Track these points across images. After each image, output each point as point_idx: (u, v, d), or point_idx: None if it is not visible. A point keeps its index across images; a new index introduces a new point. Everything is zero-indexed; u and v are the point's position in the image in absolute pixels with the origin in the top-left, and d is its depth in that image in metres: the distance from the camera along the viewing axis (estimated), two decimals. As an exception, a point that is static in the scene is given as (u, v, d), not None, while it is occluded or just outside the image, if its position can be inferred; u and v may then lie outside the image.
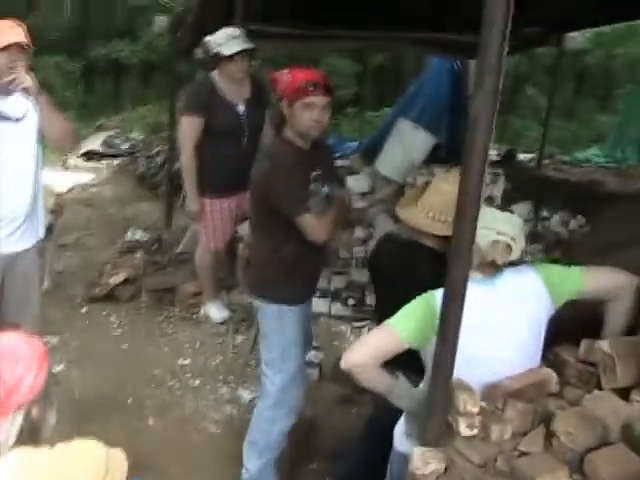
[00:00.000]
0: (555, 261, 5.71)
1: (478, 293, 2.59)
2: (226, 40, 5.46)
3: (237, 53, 5.48)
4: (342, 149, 11.78)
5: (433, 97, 11.05)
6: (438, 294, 2.66)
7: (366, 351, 2.80)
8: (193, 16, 7.06)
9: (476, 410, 2.56)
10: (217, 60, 5.59)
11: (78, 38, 23.57)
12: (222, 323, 6.23)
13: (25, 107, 4.20)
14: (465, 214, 2.28)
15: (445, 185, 3.36)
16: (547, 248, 6.09)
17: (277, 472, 4.34)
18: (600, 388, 2.80)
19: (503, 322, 2.85)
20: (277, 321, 4.10)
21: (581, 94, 23.71)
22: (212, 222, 5.98)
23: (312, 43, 8.71)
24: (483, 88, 2.16)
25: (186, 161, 5.77)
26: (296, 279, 4.05)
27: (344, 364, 2.79)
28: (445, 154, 9.80)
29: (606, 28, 14.97)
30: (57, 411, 2.20)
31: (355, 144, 12.07)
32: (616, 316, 3.06)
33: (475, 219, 2.29)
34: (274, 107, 4.11)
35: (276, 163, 3.87)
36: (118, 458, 2.22)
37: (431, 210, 3.31)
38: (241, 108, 5.76)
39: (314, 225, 3.79)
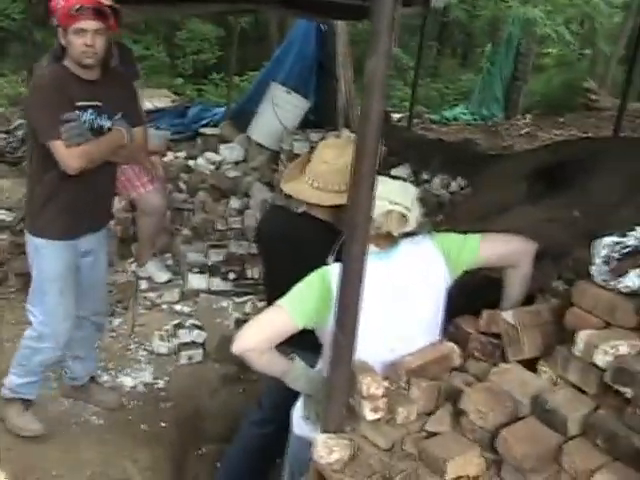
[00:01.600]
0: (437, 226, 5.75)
1: (373, 267, 2.43)
2: None
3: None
4: (209, 116, 11.56)
5: (300, 59, 10.96)
6: (333, 270, 2.55)
7: (259, 334, 2.65)
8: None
9: (380, 393, 2.45)
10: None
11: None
12: None
13: None
14: (361, 185, 2.15)
15: (329, 152, 3.24)
16: (429, 212, 6.06)
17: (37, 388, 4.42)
18: (505, 360, 2.71)
19: (400, 296, 2.74)
20: (35, 254, 4.07)
21: (443, 53, 24.08)
22: None
23: (175, 8, 8.45)
24: (377, 51, 2.06)
25: None
26: (55, 211, 3.96)
27: (236, 349, 2.63)
28: (314, 117, 9.71)
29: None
30: None
31: (222, 110, 11.84)
32: (515, 284, 3.00)
33: (372, 189, 2.17)
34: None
35: (34, 85, 3.95)
36: None
37: (316, 180, 3.19)
38: None
39: (63, 153, 3.74)
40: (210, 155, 8.84)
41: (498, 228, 4.43)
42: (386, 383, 2.51)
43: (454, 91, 19.12)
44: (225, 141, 9.49)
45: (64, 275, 4.07)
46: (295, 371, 2.74)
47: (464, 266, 2.87)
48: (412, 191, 2.85)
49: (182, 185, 7.92)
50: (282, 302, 2.69)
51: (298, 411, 3.01)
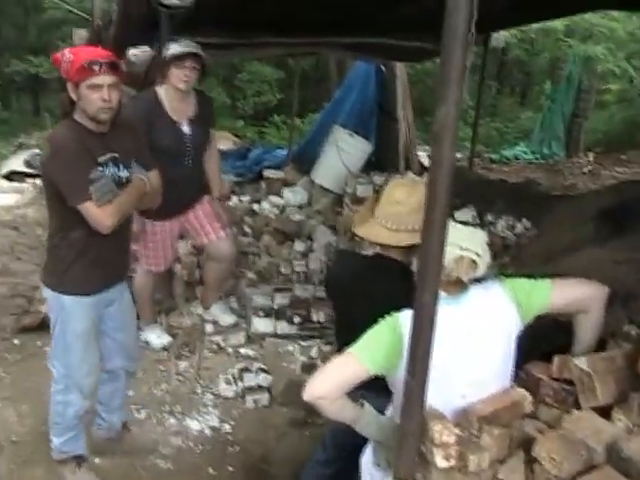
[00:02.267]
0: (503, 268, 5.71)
1: (444, 312, 2.43)
2: (177, 46, 5.24)
3: (185, 55, 5.22)
4: (270, 158, 11.65)
5: (360, 100, 11.04)
6: (403, 317, 2.55)
7: (331, 382, 2.64)
8: (114, 29, 6.83)
9: (452, 440, 2.42)
10: (164, 67, 5.33)
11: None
12: (164, 349, 5.96)
13: None
14: (433, 232, 2.15)
15: (400, 192, 3.27)
16: (495, 254, 6.01)
17: (81, 441, 4.37)
18: (577, 407, 2.68)
19: (471, 342, 2.72)
20: (61, 312, 4.00)
21: (502, 92, 24.00)
22: (152, 244, 5.70)
23: (238, 51, 8.55)
24: (447, 100, 2.05)
25: None
26: (84, 267, 3.93)
27: (307, 396, 2.63)
28: (374, 159, 9.74)
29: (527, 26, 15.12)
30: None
31: (283, 152, 11.94)
32: (587, 329, 2.97)
33: (443, 236, 2.17)
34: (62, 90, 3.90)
35: (53, 148, 3.77)
36: None
37: (390, 220, 3.21)
38: (185, 128, 5.49)
39: (95, 213, 3.71)
40: (274, 198, 8.91)
41: (564, 270, 4.40)
42: (457, 430, 2.49)
43: (514, 130, 19.01)
44: (289, 184, 9.58)
45: (89, 330, 4.06)
46: (366, 418, 2.72)
47: (535, 312, 2.84)
48: (481, 236, 2.85)
49: (247, 229, 8.00)
50: (353, 349, 2.68)
51: (367, 457, 3.00)
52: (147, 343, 5.98)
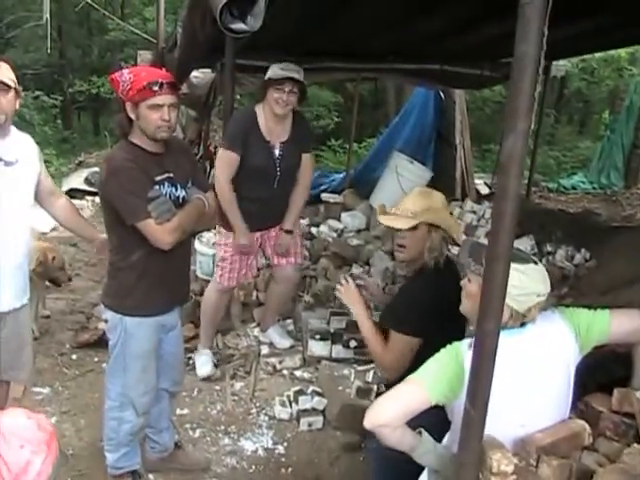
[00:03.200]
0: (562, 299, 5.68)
1: (506, 342, 2.43)
2: (276, 69, 5.28)
3: (285, 78, 5.24)
4: (327, 182, 11.69)
5: (419, 127, 11.07)
6: (464, 347, 2.55)
7: (393, 410, 2.64)
8: (179, 51, 6.94)
9: (510, 469, 2.42)
10: (264, 88, 5.39)
11: (57, 73, 23.51)
12: (203, 380, 5.90)
13: (18, 152, 4.03)
14: (497, 264, 2.16)
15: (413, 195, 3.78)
16: (554, 285, 5.97)
17: (136, 456, 4.44)
18: (638, 441, 2.67)
19: (532, 372, 2.71)
20: (123, 333, 4.03)
21: (560, 120, 23.85)
22: (230, 257, 5.69)
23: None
24: (515, 129, 2.05)
25: (225, 194, 5.37)
26: (146, 288, 3.98)
27: (369, 424, 2.63)
28: (431, 186, 9.73)
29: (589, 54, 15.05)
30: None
31: (340, 176, 11.98)
32: None
33: (507, 268, 2.17)
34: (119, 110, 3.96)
35: (110, 169, 3.81)
36: None
37: (440, 205, 3.72)
38: (277, 150, 5.51)
39: (154, 231, 3.75)
40: (332, 222, 8.93)
41: (624, 301, 4.38)
42: (516, 460, 2.49)
43: (572, 159, 18.85)
44: (347, 209, 9.59)
45: (149, 352, 4.12)
46: (424, 446, 2.72)
47: (594, 342, 2.83)
48: (545, 274, 2.84)
49: (305, 252, 8.01)
50: (416, 378, 2.69)
51: None
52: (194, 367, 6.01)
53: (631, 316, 2.94)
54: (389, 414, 2.63)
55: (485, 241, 2.95)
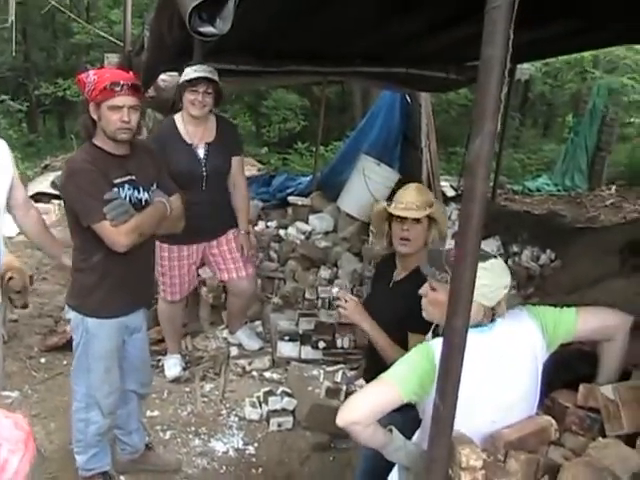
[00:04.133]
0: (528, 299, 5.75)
1: (475, 339, 2.48)
2: (190, 71, 5.28)
3: (198, 79, 5.24)
4: (294, 185, 11.70)
5: (385, 130, 11.08)
6: (436, 345, 2.58)
7: (365, 408, 2.66)
8: (146, 54, 6.93)
9: (479, 464, 2.45)
10: (179, 92, 5.39)
11: (21, 77, 23.32)
12: (172, 381, 5.94)
13: None
14: (466, 261, 2.18)
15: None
16: (519, 284, 6.06)
17: (105, 457, 4.45)
18: (603, 435, 2.72)
19: (502, 369, 2.75)
20: (85, 334, 4.05)
21: (524, 123, 24.00)
22: (169, 272, 5.68)
23: (266, 78, 8.65)
24: (482, 131, 2.07)
25: None
26: (107, 290, 3.99)
27: (342, 422, 2.65)
28: (397, 188, 9.75)
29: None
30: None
31: (307, 179, 11.99)
32: (611, 357, 3.00)
33: (475, 267, 2.20)
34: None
35: (69, 170, 3.86)
36: None
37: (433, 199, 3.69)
38: (201, 151, 5.49)
39: (109, 232, 3.75)
40: (300, 225, 8.93)
41: (589, 301, 4.43)
42: (484, 455, 2.53)
43: (536, 161, 18.96)
44: (315, 211, 9.62)
45: (111, 353, 4.12)
46: (394, 443, 2.75)
47: (561, 339, 2.88)
48: (506, 266, 2.90)
49: (273, 254, 8.04)
50: (388, 376, 2.71)
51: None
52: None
53: (596, 314, 3.00)
54: (361, 412, 2.65)
55: (447, 245, 3.01)
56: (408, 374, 2.69)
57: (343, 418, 2.65)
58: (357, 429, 2.66)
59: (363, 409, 2.66)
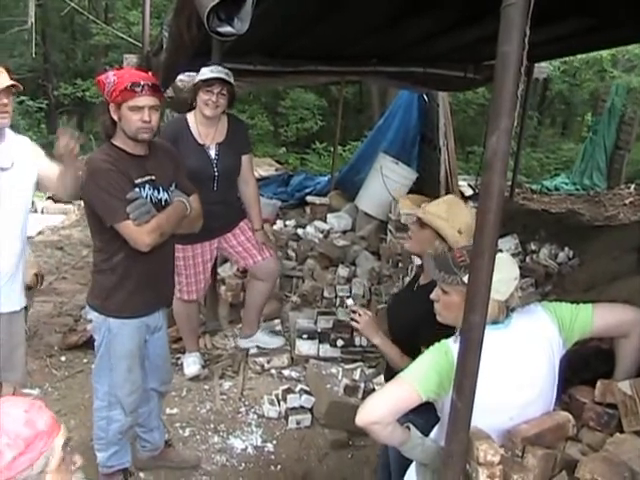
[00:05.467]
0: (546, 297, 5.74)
1: (492, 336, 2.49)
2: (206, 71, 5.30)
3: (213, 79, 5.25)
4: (312, 184, 11.75)
5: (403, 129, 11.11)
6: (453, 343, 2.59)
7: (385, 408, 2.67)
8: (165, 55, 6.96)
9: (497, 460, 2.46)
10: (194, 92, 5.41)
11: (41, 78, 23.43)
12: (191, 379, 5.95)
13: (14, 156, 4.05)
14: (483, 256, 2.19)
15: (466, 207, 3.58)
16: (537, 282, 6.05)
17: (126, 455, 4.45)
18: (620, 431, 2.72)
19: (519, 366, 2.75)
20: (107, 334, 4.05)
21: (543, 122, 23.94)
22: (184, 271, 5.70)
23: (284, 79, 8.66)
24: (499, 128, 2.08)
25: None
26: (129, 290, 3.98)
27: (361, 422, 2.66)
28: (415, 187, 9.75)
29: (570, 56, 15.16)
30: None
31: (325, 179, 12.03)
32: (628, 354, 2.99)
33: (492, 263, 2.21)
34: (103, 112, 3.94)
35: (90, 170, 3.82)
36: None
37: (461, 227, 3.43)
38: (212, 151, 5.53)
39: (132, 231, 3.75)
40: (319, 224, 8.98)
41: (608, 298, 4.43)
42: (502, 451, 2.54)
43: (554, 161, 18.94)
44: (333, 210, 9.67)
45: (134, 353, 4.12)
46: (413, 440, 2.76)
47: (577, 336, 2.88)
48: (511, 257, 2.93)
49: (291, 253, 8.10)
50: (406, 375, 2.71)
51: (411, 477, 3.04)
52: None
53: (613, 310, 3.01)
54: (380, 412, 2.66)
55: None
56: (427, 373, 2.68)
57: (362, 418, 2.66)
58: (377, 429, 2.67)
59: (382, 409, 2.66)
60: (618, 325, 2.96)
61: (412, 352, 3.19)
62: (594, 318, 2.90)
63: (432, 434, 2.97)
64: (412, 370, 2.72)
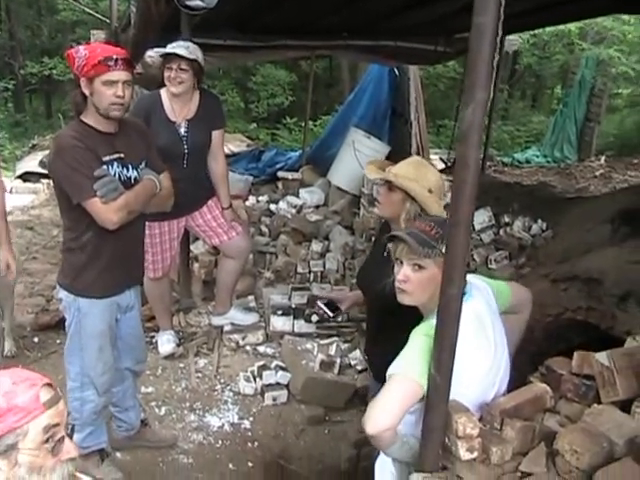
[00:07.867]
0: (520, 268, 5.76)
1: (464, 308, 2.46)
2: (169, 47, 5.18)
3: (171, 55, 5.14)
4: (283, 160, 11.69)
5: (374, 103, 11.07)
6: (429, 325, 2.54)
7: (394, 411, 2.54)
8: (133, 30, 6.89)
9: (476, 432, 2.45)
10: (162, 67, 5.28)
11: (7, 55, 23.14)
12: (166, 358, 5.92)
13: None
14: (459, 228, 2.18)
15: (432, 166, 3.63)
16: (511, 255, 6.06)
17: (102, 435, 4.43)
18: (598, 401, 2.73)
19: (489, 335, 2.76)
20: (77, 313, 4.00)
21: (513, 95, 24.00)
22: (151, 249, 5.57)
23: (255, 54, 8.59)
24: (474, 99, 2.07)
25: None
26: (97, 270, 3.93)
27: (373, 430, 2.53)
28: (387, 160, 9.72)
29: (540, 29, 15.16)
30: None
31: (296, 154, 11.97)
32: (517, 329, 3.14)
33: (469, 233, 2.21)
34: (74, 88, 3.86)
35: (57, 147, 3.77)
36: None
37: (431, 186, 3.39)
38: (182, 128, 5.42)
39: (99, 209, 3.68)
40: (291, 199, 8.91)
41: (581, 270, 4.46)
42: (480, 423, 2.53)
43: (525, 133, 19.04)
44: (305, 185, 9.63)
45: (105, 332, 4.08)
46: (400, 440, 2.66)
47: (502, 309, 2.95)
48: None
49: (264, 228, 8.05)
50: (402, 372, 2.59)
51: (382, 459, 2.95)
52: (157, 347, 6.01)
53: (519, 288, 3.19)
54: (391, 416, 2.53)
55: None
56: (419, 361, 2.55)
57: (373, 427, 2.54)
58: (388, 435, 2.57)
59: (392, 412, 2.54)
60: (520, 303, 3.11)
61: (390, 320, 3.18)
62: (511, 294, 3.04)
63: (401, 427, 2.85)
64: (405, 364, 2.60)
